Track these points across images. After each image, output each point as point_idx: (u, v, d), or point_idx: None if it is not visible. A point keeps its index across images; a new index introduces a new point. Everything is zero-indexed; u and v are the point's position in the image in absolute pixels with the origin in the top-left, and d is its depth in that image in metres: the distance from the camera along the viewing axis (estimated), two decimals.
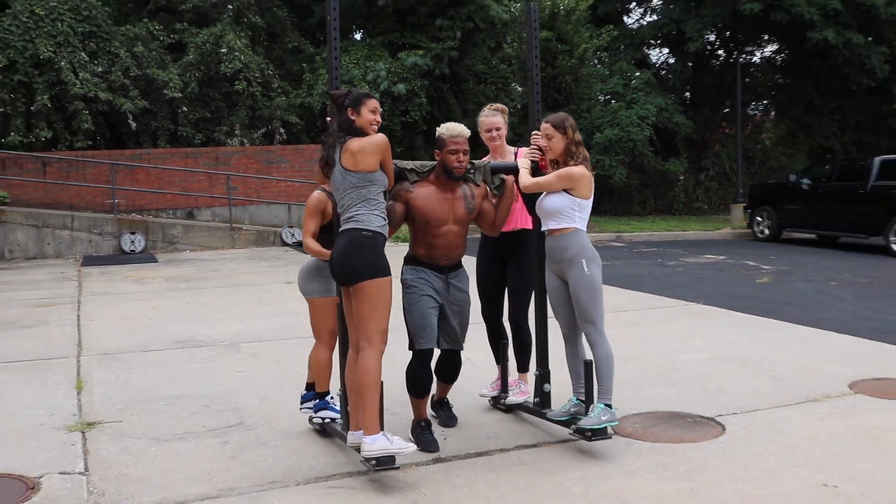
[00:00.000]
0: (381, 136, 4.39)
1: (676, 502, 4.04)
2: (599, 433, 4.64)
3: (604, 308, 4.82)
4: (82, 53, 17.68)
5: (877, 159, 16.60)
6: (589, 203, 4.86)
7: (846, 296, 10.64)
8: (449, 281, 4.85)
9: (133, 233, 16.52)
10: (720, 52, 28.18)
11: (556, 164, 4.93)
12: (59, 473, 4.51)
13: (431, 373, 4.86)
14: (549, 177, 4.85)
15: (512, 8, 23.23)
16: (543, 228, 4.98)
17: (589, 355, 4.81)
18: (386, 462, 4.18)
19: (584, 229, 4.85)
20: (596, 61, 25.24)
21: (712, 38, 26.91)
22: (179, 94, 18.39)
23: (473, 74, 22.75)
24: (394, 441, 4.22)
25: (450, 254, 4.83)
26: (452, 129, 4.79)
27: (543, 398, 5.23)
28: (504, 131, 5.43)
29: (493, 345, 5.59)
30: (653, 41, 27.49)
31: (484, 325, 5.63)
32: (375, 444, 4.17)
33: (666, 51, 28.45)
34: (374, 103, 4.45)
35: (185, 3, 20.01)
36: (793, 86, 27.22)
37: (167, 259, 15.55)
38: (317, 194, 5.04)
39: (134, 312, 9.66)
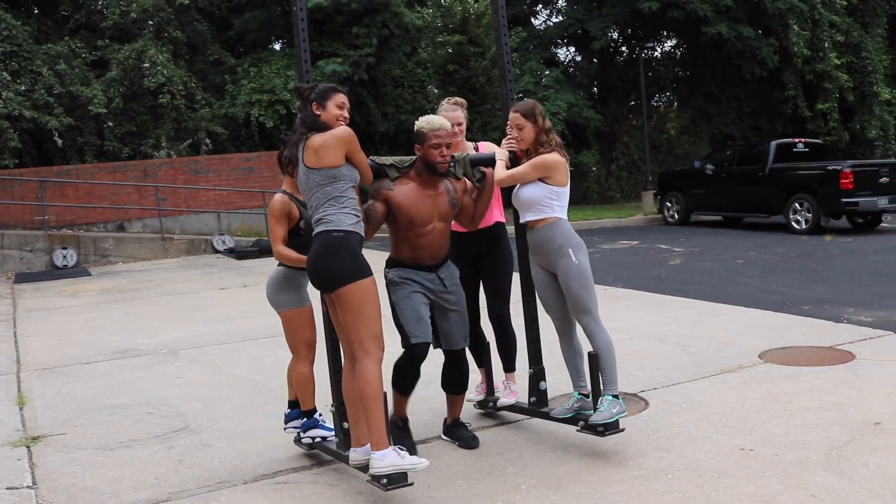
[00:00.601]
0: (345, 128, 3.99)
1: (606, 474, 4.15)
2: (611, 427, 4.36)
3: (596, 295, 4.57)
4: (4, 73, 17.43)
5: (773, 143, 17.30)
6: (566, 190, 4.59)
7: (752, 272, 11.01)
8: (438, 275, 4.48)
9: (65, 248, 16.38)
10: (623, 48, 28.56)
11: (528, 153, 4.67)
12: (7, 489, 4.38)
13: (420, 370, 4.47)
14: (523, 167, 4.57)
15: (424, 14, 23.53)
16: (522, 220, 4.72)
17: (586, 346, 4.61)
18: (398, 480, 3.74)
19: (565, 217, 4.60)
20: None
21: (615, 35, 27.17)
22: (104, 110, 18.29)
23: (391, 79, 22.87)
24: (405, 456, 3.79)
25: (436, 253, 4.46)
26: (433, 123, 4.37)
27: (540, 397, 4.98)
28: (465, 126, 5.03)
29: (472, 347, 4.98)
30: (560, 41, 27.61)
31: None
32: (385, 461, 3.74)
33: (573, 49, 28.62)
34: (341, 98, 4.09)
35: (105, 20, 19.92)
36: (692, 77, 27.92)
37: (101, 272, 15.39)
38: (279, 197, 4.59)
39: (71, 326, 9.55)
